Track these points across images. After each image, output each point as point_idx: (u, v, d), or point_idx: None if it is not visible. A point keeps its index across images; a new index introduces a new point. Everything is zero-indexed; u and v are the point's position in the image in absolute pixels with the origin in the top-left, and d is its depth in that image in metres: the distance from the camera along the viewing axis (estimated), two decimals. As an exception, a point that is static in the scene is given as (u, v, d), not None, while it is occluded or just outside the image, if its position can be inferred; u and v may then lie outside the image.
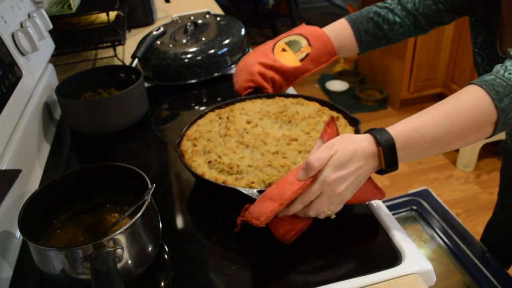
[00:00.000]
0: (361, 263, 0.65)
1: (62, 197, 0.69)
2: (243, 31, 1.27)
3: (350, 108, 2.67)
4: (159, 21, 1.70)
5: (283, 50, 0.94)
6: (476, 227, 1.37)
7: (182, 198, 0.81)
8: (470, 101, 0.61)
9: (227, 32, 1.24)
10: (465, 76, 2.62)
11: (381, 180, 2.26)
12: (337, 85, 3.24)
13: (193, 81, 1.18)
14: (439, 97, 2.84)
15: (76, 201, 0.71)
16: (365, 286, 0.59)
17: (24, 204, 0.62)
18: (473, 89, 0.62)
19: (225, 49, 1.19)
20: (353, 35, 0.94)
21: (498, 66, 0.64)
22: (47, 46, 1.07)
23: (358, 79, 3.26)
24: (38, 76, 0.99)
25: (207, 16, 1.34)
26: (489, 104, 0.60)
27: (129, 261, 0.60)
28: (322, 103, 0.89)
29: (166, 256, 0.68)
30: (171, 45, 1.20)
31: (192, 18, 1.33)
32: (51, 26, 1.06)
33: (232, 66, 1.21)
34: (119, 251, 0.57)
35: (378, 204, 0.73)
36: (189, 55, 1.17)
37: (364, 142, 0.60)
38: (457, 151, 2.42)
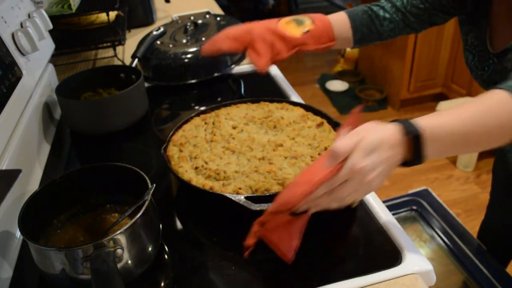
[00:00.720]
0: (361, 263, 0.65)
1: (62, 197, 0.69)
2: (243, 31, 1.26)
3: (350, 108, 2.68)
4: (159, 21, 1.70)
5: (288, 23, 0.96)
6: (476, 227, 1.37)
7: (182, 198, 0.81)
8: (499, 105, 0.59)
9: (227, 32, 1.23)
10: (465, 76, 2.61)
11: (381, 180, 2.25)
12: (337, 85, 3.24)
13: (193, 81, 1.18)
14: (439, 97, 2.84)
15: (76, 201, 0.71)
16: (365, 286, 0.59)
17: (24, 204, 0.62)
18: (500, 93, 0.60)
19: (225, 49, 1.19)
20: (350, 24, 0.97)
21: None
22: (47, 46, 1.07)
23: (358, 79, 3.27)
24: (38, 76, 0.99)
25: (207, 16, 1.34)
26: None
27: (129, 261, 0.60)
28: (307, 108, 0.90)
29: (166, 256, 0.68)
30: (171, 45, 1.20)
31: (192, 18, 1.33)
32: (51, 26, 1.06)
33: (232, 66, 1.21)
34: (119, 251, 0.57)
35: (378, 204, 0.73)
36: (189, 55, 1.17)
37: (391, 130, 0.58)
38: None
